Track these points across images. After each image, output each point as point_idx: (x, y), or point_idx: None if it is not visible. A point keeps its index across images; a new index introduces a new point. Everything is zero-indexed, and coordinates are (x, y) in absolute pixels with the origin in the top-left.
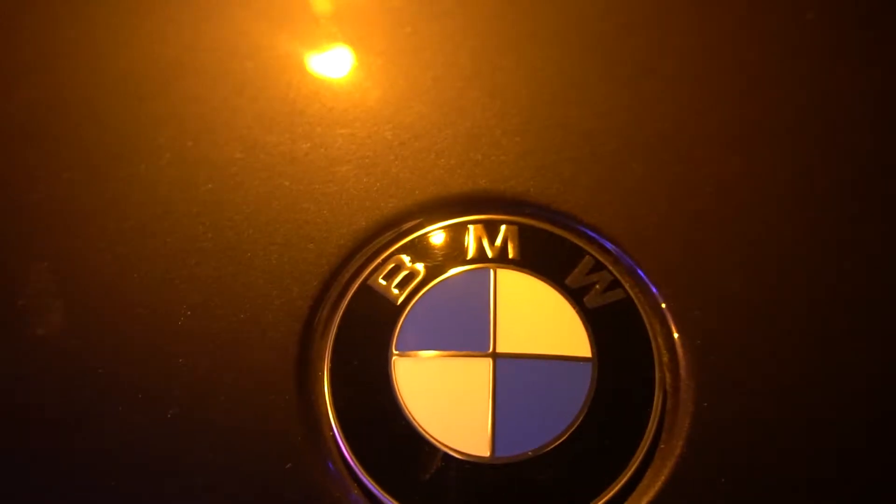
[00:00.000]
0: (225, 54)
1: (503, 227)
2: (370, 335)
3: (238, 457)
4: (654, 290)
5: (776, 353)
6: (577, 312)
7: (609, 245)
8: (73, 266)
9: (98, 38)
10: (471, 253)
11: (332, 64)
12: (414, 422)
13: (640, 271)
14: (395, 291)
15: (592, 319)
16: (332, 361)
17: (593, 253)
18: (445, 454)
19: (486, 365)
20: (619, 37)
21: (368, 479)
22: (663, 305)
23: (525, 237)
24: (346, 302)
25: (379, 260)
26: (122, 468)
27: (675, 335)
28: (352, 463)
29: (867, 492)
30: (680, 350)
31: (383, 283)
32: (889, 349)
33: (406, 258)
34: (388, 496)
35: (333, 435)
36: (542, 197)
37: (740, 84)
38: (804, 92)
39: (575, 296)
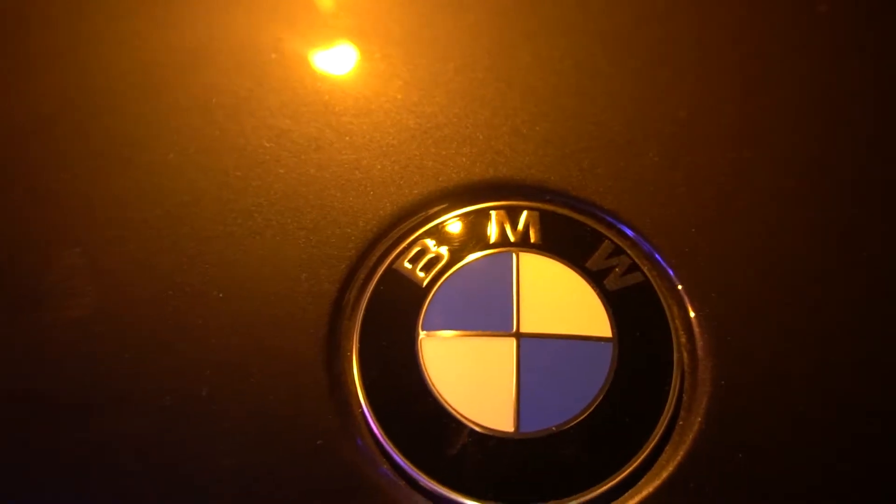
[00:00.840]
0: (250, 46)
1: (525, 213)
2: (397, 316)
3: (269, 435)
4: (671, 273)
5: (793, 333)
6: (598, 294)
7: (628, 230)
8: (105, 251)
9: (124, 28)
10: (494, 237)
11: (356, 55)
12: (441, 399)
13: (657, 255)
14: (421, 274)
15: (612, 301)
16: (361, 342)
17: (613, 238)
18: (471, 430)
19: (510, 344)
20: (637, 27)
21: (397, 453)
22: (680, 288)
23: (546, 222)
24: (373, 284)
25: (404, 244)
26: (153, 447)
27: (693, 316)
28: (381, 439)
29: (885, 470)
30: (697, 331)
31: (409, 266)
32: None
33: (431, 242)
34: (416, 470)
35: (362, 412)
36: (562, 184)
37: (756, 72)
38: (821, 80)
39: (595, 278)
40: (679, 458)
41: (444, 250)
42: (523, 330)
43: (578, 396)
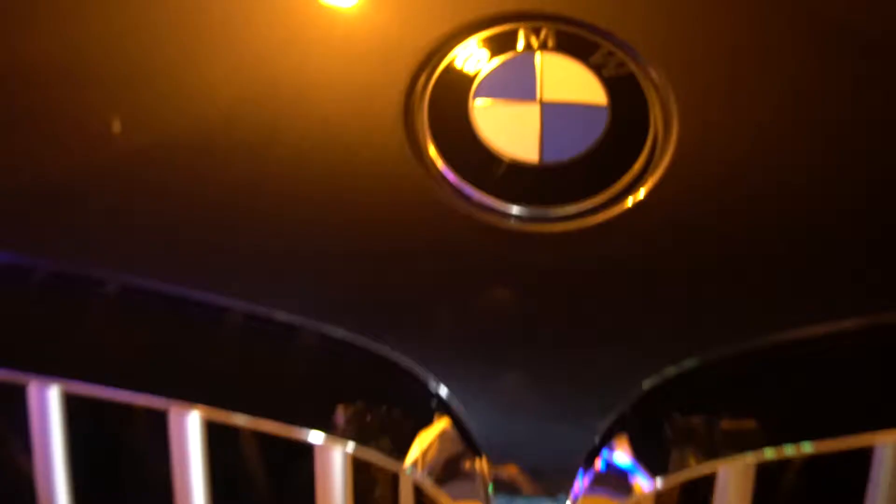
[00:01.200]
0: None
1: (544, 29)
2: (453, 94)
3: (364, 176)
4: (649, 67)
5: (746, 101)
6: (598, 79)
7: (618, 40)
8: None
9: None
10: (521, 45)
11: None
12: (487, 143)
13: (638, 53)
14: (469, 69)
15: (609, 84)
16: (429, 110)
17: (608, 44)
18: (509, 160)
19: (535, 108)
20: None
21: (457, 177)
22: (653, 75)
23: (561, 34)
24: (436, 76)
25: (456, 49)
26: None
27: (670, 96)
28: (444, 170)
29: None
30: (668, 101)
31: (459, 65)
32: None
33: (476, 48)
34: (471, 186)
35: (432, 158)
36: (574, 10)
37: None
38: None
39: (596, 69)
40: (655, 180)
41: (485, 53)
42: (545, 99)
43: (584, 140)
